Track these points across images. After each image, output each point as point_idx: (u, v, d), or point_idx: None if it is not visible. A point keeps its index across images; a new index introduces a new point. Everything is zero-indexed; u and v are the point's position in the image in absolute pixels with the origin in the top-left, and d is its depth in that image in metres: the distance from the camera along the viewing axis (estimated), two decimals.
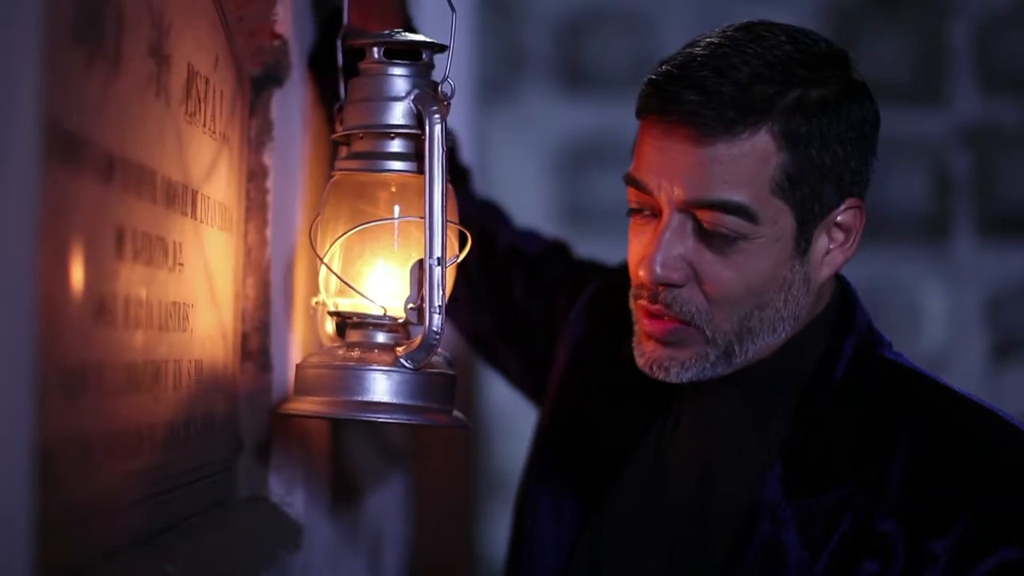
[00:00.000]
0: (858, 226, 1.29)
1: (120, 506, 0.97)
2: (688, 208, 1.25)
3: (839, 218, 1.28)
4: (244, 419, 1.33)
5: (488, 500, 3.08)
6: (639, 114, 1.30)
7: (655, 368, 1.30)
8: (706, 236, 1.26)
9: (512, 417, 2.89)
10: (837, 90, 1.26)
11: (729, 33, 1.27)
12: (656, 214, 1.29)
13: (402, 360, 1.24)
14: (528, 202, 3.04)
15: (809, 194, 1.25)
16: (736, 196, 1.24)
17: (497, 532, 2.98)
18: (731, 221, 1.24)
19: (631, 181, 1.29)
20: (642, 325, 1.31)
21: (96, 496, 0.91)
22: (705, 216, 1.25)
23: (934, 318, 3.26)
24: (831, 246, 1.29)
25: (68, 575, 0.85)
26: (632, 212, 1.32)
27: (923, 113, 3.25)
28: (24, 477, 0.77)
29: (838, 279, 1.37)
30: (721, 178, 1.24)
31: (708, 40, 1.27)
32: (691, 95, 1.23)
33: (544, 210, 3.11)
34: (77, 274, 0.85)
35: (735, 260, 1.26)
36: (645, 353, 1.31)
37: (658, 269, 1.26)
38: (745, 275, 1.26)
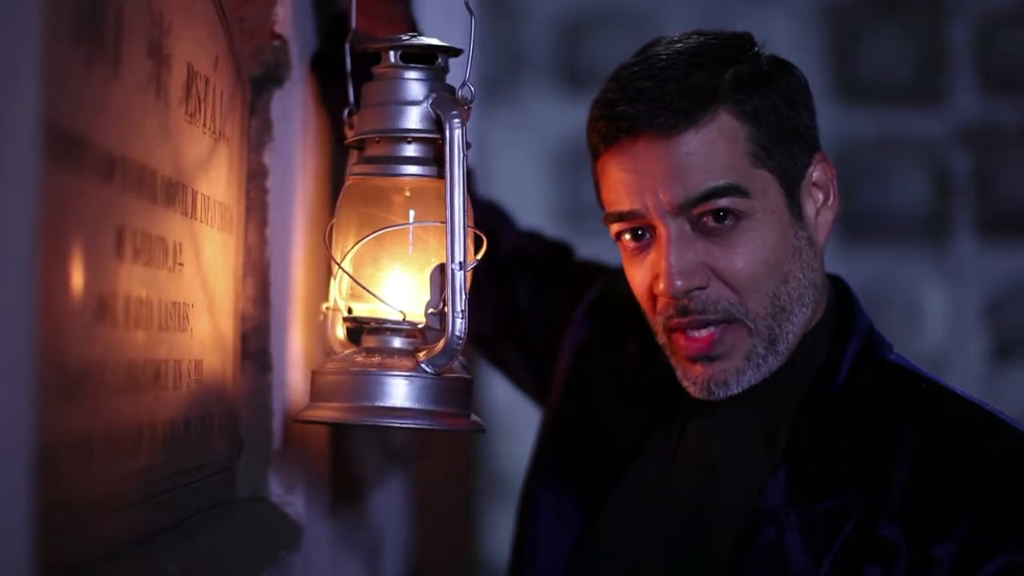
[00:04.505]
0: (831, 178, 1.33)
1: (120, 506, 0.97)
2: (681, 211, 1.26)
3: (814, 176, 1.31)
4: (244, 419, 1.33)
5: (488, 500, 3.08)
6: (597, 152, 1.31)
7: (714, 387, 1.28)
8: (708, 232, 1.26)
9: (512, 417, 2.89)
10: (762, 63, 1.30)
11: (641, 55, 1.31)
12: (648, 233, 1.29)
13: (423, 365, 1.23)
14: (528, 202, 3.04)
15: (785, 157, 1.28)
16: (722, 180, 1.25)
17: (497, 532, 2.98)
18: (726, 203, 1.25)
19: (615, 218, 1.30)
20: (681, 349, 1.29)
21: (96, 496, 0.91)
22: (700, 210, 1.25)
23: (934, 318, 3.26)
24: (817, 207, 1.32)
25: (68, 575, 0.85)
26: (619, 238, 1.31)
27: (923, 113, 3.26)
28: (24, 477, 0.77)
29: (836, 282, 1.38)
30: (702, 168, 1.25)
31: (628, 65, 1.30)
32: (641, 105, 1.26)
33: (544, 210, 3.11)
34: (77, 274, 0.85)
35: (743, 244, 1.26)
36: (696, 377, 1.29)
37: (678, 281, 1.26)
38: (758, 254, 1.26)
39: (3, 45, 0.75)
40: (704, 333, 1.27)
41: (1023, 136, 3.24)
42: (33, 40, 0.77)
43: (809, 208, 1.31)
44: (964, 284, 3.23)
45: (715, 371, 1.28)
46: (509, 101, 3.22)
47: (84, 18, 0.86)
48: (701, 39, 1.31)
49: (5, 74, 0.76)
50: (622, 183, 1.28)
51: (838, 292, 1.37)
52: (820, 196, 1.32)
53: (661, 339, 1.32)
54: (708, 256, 1.26)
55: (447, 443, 2.77)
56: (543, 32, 3.26)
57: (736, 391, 1.29)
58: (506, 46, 3.23)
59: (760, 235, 1.26)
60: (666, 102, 1.25)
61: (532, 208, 3.07)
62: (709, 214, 1.25)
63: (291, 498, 1.38)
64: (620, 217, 1.29)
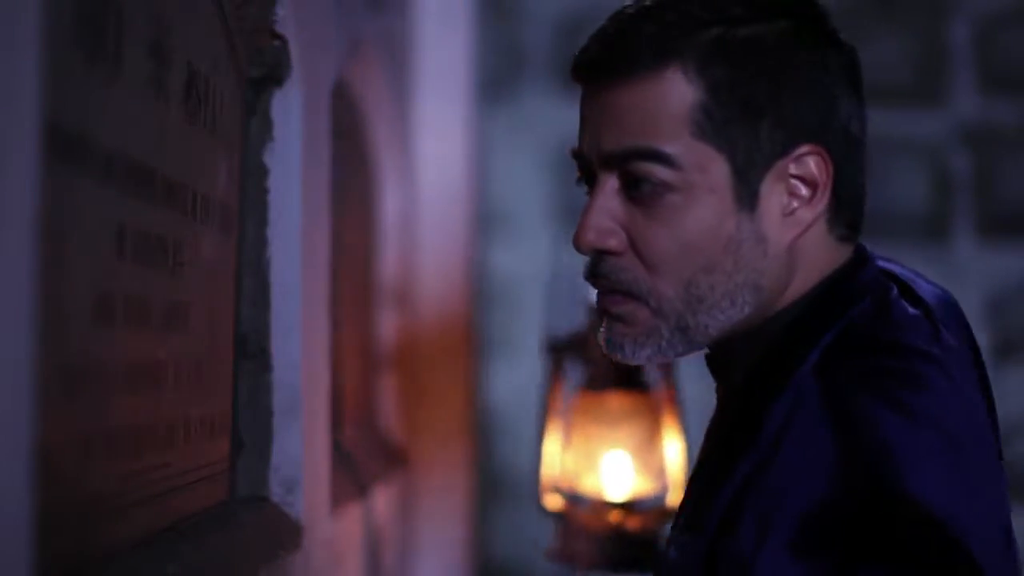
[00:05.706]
0: (824, 177, 1.16)
1: (120, 506, 0.97)
2: (610, 165, 1.18)
3: (795, 168, 1.16)
4: (244, 419, 1.33)
5: (488, 500, 3.08)
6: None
7: (612, 347, 1.20)
8: (634, 196, 1.17)
9: (512, 417, 2.88)
10: (774, 30, 1.18)
11: (629, 3, 1.21)
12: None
13: None
14: (528, 202, 3.03)
15: (742, 138, 1.15)
16: (644, 142, 1.16)
17: (497, 532, 2.98)
18: (648, 169, 1.15)
19: (574, 155, 1.22)
20: (597, 302, 1.23)
21: (96, 496, 0.91)
22: (628, 170, 1.17)
23: None
24: (794, 203, 1.16)
25: (68, 575, 0.85)
26: (583, 184, 1.23)
27: (923, 113, 3.25)
28: (24, 477, 0.77)
29: (850, 267, 1.21)
30: (629, 125, 1.16)
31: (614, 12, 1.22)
32: (594, 51, 1.19)
33: (544, 210, 3.11)
34: (77, 274, 0.85)
35: (666, 217, 1.16)
36: (603, 332, 1.21)
37: (588, 235, 1.17)
38: (679, 232, 1.16)
39: (3, 45, 0.76)
40: (609, 294, 1.20)
41: (1023, 136, 3.24)
42: (33, 40, 0.77)
43: (775, 200, 1.16)
44: (964, 284, 3.23)
45: (615, 332, 1.20)
46: (509, 101, 3.22)
47: (84, 18, 0.86)
48: None
49: (5, 74, 0.76)
50: (580, 127, 1.22)
51: (833, 282, 1.20)
52: (803, 191, 1.16)
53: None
54: (628, 219, 1.17)
55: (446, 443, 2.77)
56: (543, 32, 3.26)
57: (632, 360, 1.21)
58: (506, 46, 3.23)
59: (687, 214, 1.15)
60: (618, 49, 1.18)
61: (532, 208, 3.07)
62: (633, 178, 1.16)
63: (291, 498, 1.38)
64: (576, 159, 1.22)
